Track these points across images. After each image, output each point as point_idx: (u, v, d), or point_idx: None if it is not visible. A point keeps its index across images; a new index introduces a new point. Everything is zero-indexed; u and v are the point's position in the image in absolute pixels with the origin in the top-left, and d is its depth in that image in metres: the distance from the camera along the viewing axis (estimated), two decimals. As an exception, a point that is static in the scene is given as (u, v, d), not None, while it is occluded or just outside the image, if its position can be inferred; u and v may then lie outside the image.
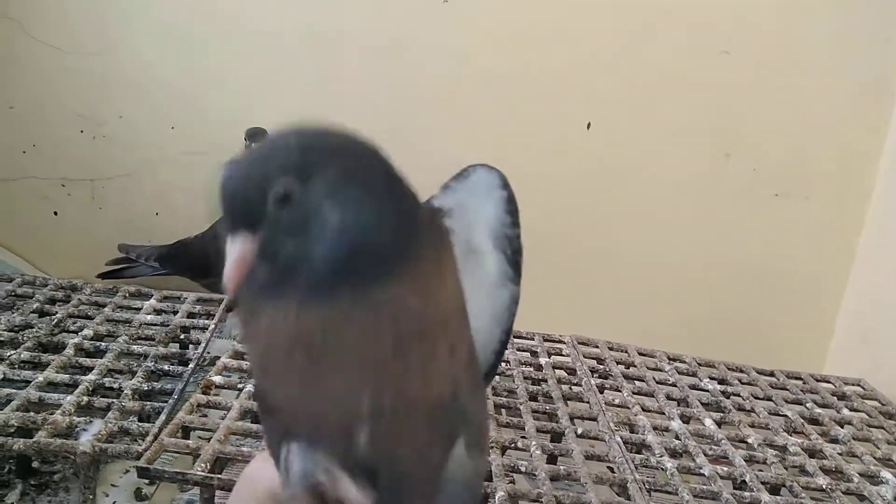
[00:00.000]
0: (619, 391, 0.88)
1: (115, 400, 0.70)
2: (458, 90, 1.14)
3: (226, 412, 0.70)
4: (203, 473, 0.60)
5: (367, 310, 0.28)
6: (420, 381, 0.29)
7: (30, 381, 0.72)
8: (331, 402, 0.29)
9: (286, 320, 0.28)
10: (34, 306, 0.89)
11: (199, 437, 0.69)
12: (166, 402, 0.71)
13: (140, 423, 0.68)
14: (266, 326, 0.29)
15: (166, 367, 0.79)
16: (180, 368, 0.79)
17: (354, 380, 0.29)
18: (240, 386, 0.76)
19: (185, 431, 0.70)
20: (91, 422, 0.66)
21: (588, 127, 1.15)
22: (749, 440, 0.81)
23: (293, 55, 1.12)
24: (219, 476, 0.60)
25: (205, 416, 0.72)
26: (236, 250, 0.29)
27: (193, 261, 1.04)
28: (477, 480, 0.33)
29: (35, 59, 1.10)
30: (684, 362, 1.01)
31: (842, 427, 0.89)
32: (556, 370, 0.92)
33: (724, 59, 1.12)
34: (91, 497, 0.64)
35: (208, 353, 0.93)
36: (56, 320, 0.85)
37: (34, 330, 0.83)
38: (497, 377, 0.88)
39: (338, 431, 0.29)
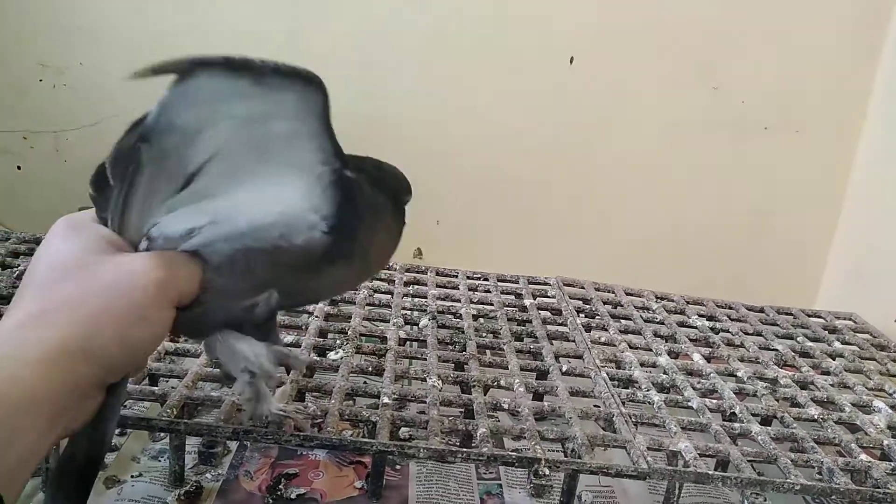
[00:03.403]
0: (606, 330, 0.86)
1: (78, 349, 0.67)
2: (433, 24, 1.09)
3: (195, 360, 0.67)
4: (169, 419, 0.57)
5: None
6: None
7: (-12, 333, 0.68)
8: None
9: None
10: (-5, 260, 0.85)
11: (167, 384, 0.66)
12: (133, 350, 0.68)
13: (104, 372, 0.65)
14: None
15: (134, 317, 0.76)
16: (149, 317, 0.76)
17: None
18: (211, 333, 0.73)
19: (153, 379, 0.67)
20: (52, 371, 0.63)
21: (571, 62, 1.11)
22: (738, 374, 0.79)
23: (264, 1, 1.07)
24: (186, 421, 0.58)
25: (173, 363, 0.69)
26: None
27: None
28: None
29: (-14, 5, 1.05)
30: (672, 301, 0.99)
31: (833, 360, 0.87)
32: (540, 311, 0.89)
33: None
34: (55, 448, 0.61)
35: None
36: (18, 272, 0.82)
37: (-6, 282, 0.79)
38: (481, 319, 0.85)
39: None
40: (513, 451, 0.60)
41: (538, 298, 0.93)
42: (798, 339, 0.91)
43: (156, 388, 0.63)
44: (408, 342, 0.78)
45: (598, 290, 0.98)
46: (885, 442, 0.68)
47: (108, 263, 0.40)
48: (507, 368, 0.73)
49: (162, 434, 0.67)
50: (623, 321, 0.89)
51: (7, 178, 1.11)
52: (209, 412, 0.65)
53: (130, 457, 0.66)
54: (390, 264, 0.96)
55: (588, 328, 0.87)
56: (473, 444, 0.60)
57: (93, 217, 0.45)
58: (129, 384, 0.61)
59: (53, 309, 0.37)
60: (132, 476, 0.63)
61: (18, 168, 1.12)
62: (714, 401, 0.71)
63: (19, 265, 0.84)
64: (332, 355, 0.71)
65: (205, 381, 0.65)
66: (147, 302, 0.39)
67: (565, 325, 0.87)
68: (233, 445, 0.68)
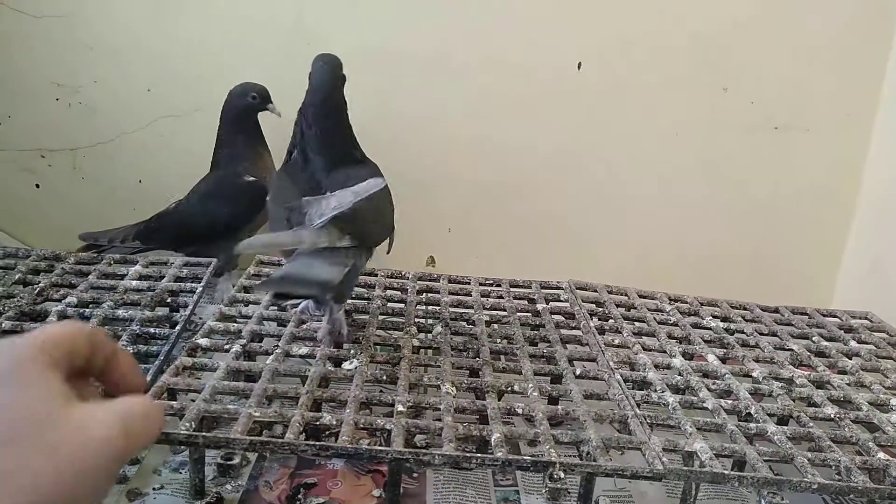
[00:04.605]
0: (619, 332, 0.86)
1: (98, 364, 0.68)
2: (439, 32, 1.10)
3: (212, 373, 0.68)
4: (188, 432, 0.58)
5: None
6: None
7: (11, 350, 0.70)
8: None
9: None
10: (16, 277, 0.87)
11: (186, 398, 0.67)
12: (153, 364, 0.69)
13: (124, 386, 0.66)
14: None
15: (153, 331, 0.77)
16: (168, 331, 0.77)
17: None
18: (226, 347, 0.74)
19: (172, 393, 0.68)
20: (73, 386, 0.64)
21: (579, 67, 1.12)
22: (754, 374, 0.79)
23: (271, 8, 1.08)
24: (204, 434, 0.58)
25: (191, 377, 0.70)
26: None
27: (177, 230, 1.00)
28: None
29: (2, 27, 1.07)
30: (686, 302, 0.98)
31: (849, 359, 0.86)
32: (553, 315, 0.90)
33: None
34: None
35: (200, 318, 0.91)
36: (38, 289, 0.83)
37: (16, 300, 0.81)
38: (494, 325, 0.86)
39: None
40: (527, 455, 0.60)
41: (551, 303, 0.94)
42: (813, 338, 0.91)
43: (174, 402, 0.64)
44: (422, 350, 0.78)
45: (610, 292, 0.98)
46: (904, 440, 0.68)
47: (64, 426, 0.35)
48: (521, 373, 0.73)
49: (182, 447, 0.68)
50: (637, 323, 0.89)
51: (26, 196, 1.13)
52: (227, 425, 0.66)
53: (152, 469, 0.67)
54: (403, 272, 0.97)
55: (601, 331, 0.87)
56: (489, 450, 0.60)
57: (41, 349, 0.38)
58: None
59: None
60: (154, 489, 0.64)
61: (37, 186, 1.14)
62: (729, 401, 0.71)
63: (40, 282, 0.86)
64: (346, 365, 0.72)
65: (223, 395, 0.66)
66: (104, 472, 0.36)
67: (578, 329, 0.87)
68: (252, 456, 0.69)
